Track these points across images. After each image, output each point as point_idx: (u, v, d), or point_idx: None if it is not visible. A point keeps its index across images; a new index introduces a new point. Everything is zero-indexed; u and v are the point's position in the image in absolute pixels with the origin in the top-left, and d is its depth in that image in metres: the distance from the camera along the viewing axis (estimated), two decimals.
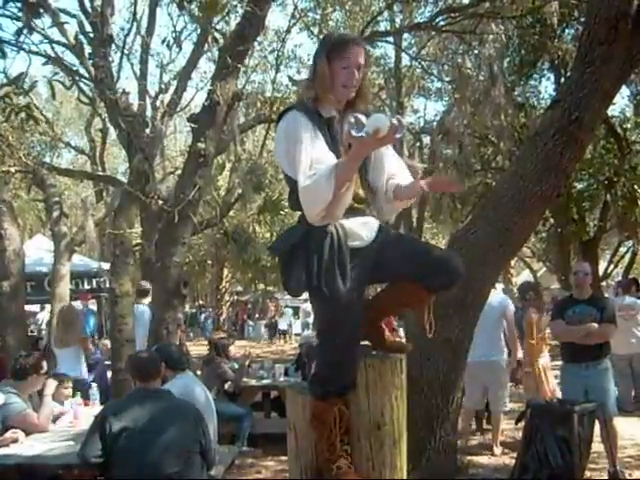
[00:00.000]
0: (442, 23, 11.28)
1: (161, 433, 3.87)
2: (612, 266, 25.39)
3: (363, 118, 2.47)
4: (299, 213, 2.83)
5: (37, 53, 9.71)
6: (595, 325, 5.93)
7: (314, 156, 2.62)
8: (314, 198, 2.59)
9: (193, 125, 7.41)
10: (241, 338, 27.57)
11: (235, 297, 33.68)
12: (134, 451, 3.79)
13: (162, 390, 4.24)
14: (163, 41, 8.31)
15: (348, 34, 2.86)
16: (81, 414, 5.29)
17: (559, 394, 7.35)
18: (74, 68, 10.20)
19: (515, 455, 5.74)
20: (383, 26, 14.65)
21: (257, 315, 32.54)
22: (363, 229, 2.79)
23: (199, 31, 8.25)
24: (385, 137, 2.47)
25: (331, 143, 2.72)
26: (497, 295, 7.40)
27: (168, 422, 3.96)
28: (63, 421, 5.32)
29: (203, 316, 32.84)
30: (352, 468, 2.81)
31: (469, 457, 6.80)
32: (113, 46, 9.55)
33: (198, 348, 16.91)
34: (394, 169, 2.93)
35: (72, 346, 7.88)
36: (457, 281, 2.81)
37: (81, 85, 12.81)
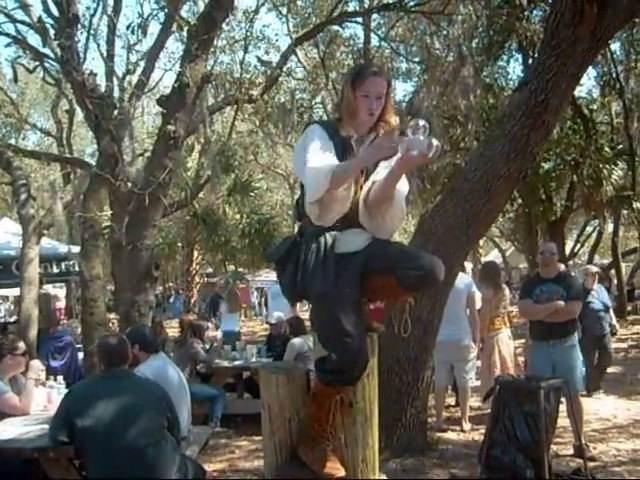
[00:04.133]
0: (411, 4, 11.32)
1: (127, 412, 3.92)
2: (579, 245, 25.80)
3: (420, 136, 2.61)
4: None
5: (14, 38, 9.56)
6: (561, 303, 6.06)
7: (324, 152, 2.80)
8: (315, 181, 2.75)
9: (163, 108, 7.37)
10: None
11: (205, 279, 33.55)
12: (102, 432, 3.83)
13: (123, 370, 4.27)
14: (128, 27, 8.19)
15: (372, 65, 3.03)
16: (55, 397, 5.28)
17: (511, 369, 7.56)
18: (39, 49, 10.06)
19: (484, 431, 5.85)
20: (352, 6, 14.61)
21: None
22: (355, 237, 2.90)
23: (166, 18, 8.14)
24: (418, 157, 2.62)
25: (340, 158, 2.86)
26: (464, 278, 7.52)
27: (133, 400, 4.00)
28: (37, 404, 5.32)
29: (172, 298, 32.84)
30: (332, 452, 2.90)
31: (438, 434, 6.93)
32: (79, 26, 9.40)
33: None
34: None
35: None
36: (427, 280, 2.79)
37: (46, 66, 12.64)
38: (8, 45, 9.38)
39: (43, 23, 8.63)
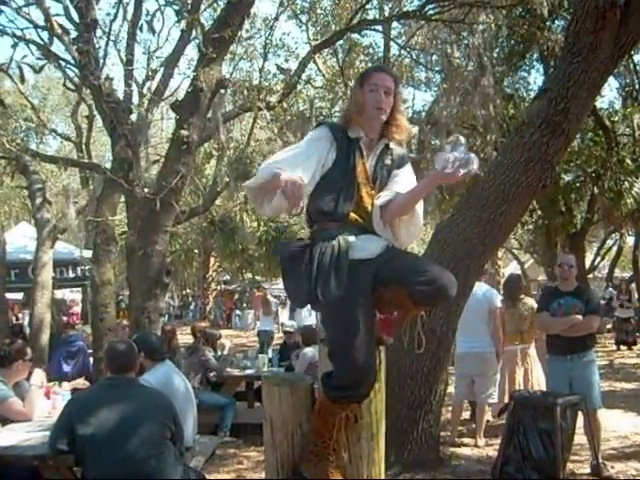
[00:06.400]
0: (431, 12, 11.22)
1: (130, 421, 3.83)
2: (599, 258, 25.52)
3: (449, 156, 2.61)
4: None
5: (20, 38, 9.57)
6: (580, 317, 5.91)
7: (282, 158, 2.81)
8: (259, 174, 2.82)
9: (176, 113, 7.33)
10: (229, 327, 27.58)
11: (222, 286, 33.63)
12: (103, 441, 3.74)
13: (128, 378, 4.18)
14: (134, 24, 8.14)
15: (379, 64, 3.03)
16: (59, 404, 5.21)
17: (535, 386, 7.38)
18: (58, 53, 10.06)
19: (498, 447, 5.71)
20: (372, 14, 14.55)
21: (244, 304, 32.54)
22: (369, 244, 2.82)
23: (177, 15, 8.10)
24: (443, 174, 2.63)
25: (346, 158, 2.85)
26: (482, 286, 7.35)
27: (136, 410, 3.91)
28: (42, 411, 5.25)
29: (192, 305, 33.04)
30: (335, 469, 2.79)
31: (452, 449, 6.78)
32: (99, 32, 9.39)
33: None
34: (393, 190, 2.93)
35: None
36: (439, 296, 2.66)
37: (67, 71, 12.67)
38: (14, 45, 9.27)
39: (51, 22, 8.60)
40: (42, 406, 5.12)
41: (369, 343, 2.67)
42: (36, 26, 10.40)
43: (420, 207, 2.93)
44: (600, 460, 5.85)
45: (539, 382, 7.40)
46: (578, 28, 5.37)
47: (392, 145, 2.98)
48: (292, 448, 2.88)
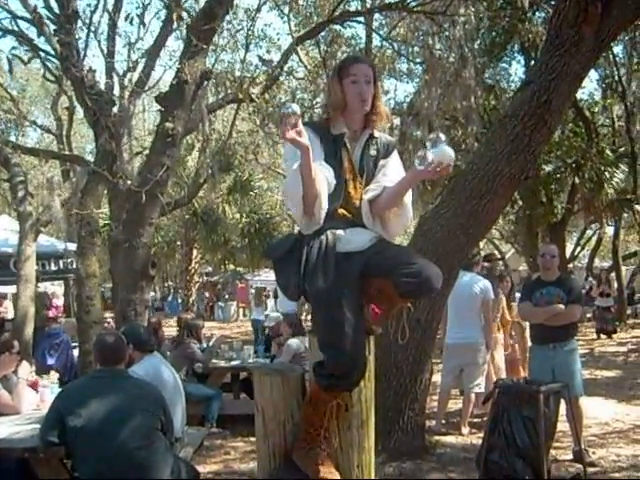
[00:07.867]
0: (413, 4, 11.23)
1: (120, 413, 3.85)
2: (579, 248, 25.75)
3: (430, 155, 2.61)
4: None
5: (6, 30, 9.49)
6: (561, 306, 5.99)
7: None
8: (289, 196, 2.76)
9: (161, 105, 7.31)
10: (211, 319, 27.55)
11: (205, 278, 33.55)
12: (93, 433, 3.76)
13: (118, 369, 4.20)
14: (126, 18, 8.11)
15: (354, 54, 2.97)
16: (48, 397, 5.22)
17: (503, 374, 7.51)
18: (38, 44, 9.99)
19: (482, 435, 5.79)
20: (354, 6, 14.53)
21: (227, 296, 32.48)
22: (357, 237, 2.84)
23: (166, 9, 8.09)
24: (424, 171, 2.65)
25: (334, 156, 2.82)
26: (475, 278, 7.37)
27: (126, 401, 3.94)
28: (30, 404, 5.25)
29: (170, 297, 32.93)
30: (327, 457, 2.82)
31: (437, 437, 6.85)
32: (80, 23, 9.32)
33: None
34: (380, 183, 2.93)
35: None
36: (424, 288, 2.66)
37: (46, 63, 12.57)
38: (2, 36, 9.21)
39: (39, 14, 8.54)
40: (30, 399, 5.13)
41: (358, 333, 2.70)
42: (15, 16, 10.31)
43: (409, 198, 2.94)
44: (582, 446, 5.94)
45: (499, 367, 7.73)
46: (560, 21, 5.43)
47: (377, 134, 2.97)
48: (284, 437, 2.91)
